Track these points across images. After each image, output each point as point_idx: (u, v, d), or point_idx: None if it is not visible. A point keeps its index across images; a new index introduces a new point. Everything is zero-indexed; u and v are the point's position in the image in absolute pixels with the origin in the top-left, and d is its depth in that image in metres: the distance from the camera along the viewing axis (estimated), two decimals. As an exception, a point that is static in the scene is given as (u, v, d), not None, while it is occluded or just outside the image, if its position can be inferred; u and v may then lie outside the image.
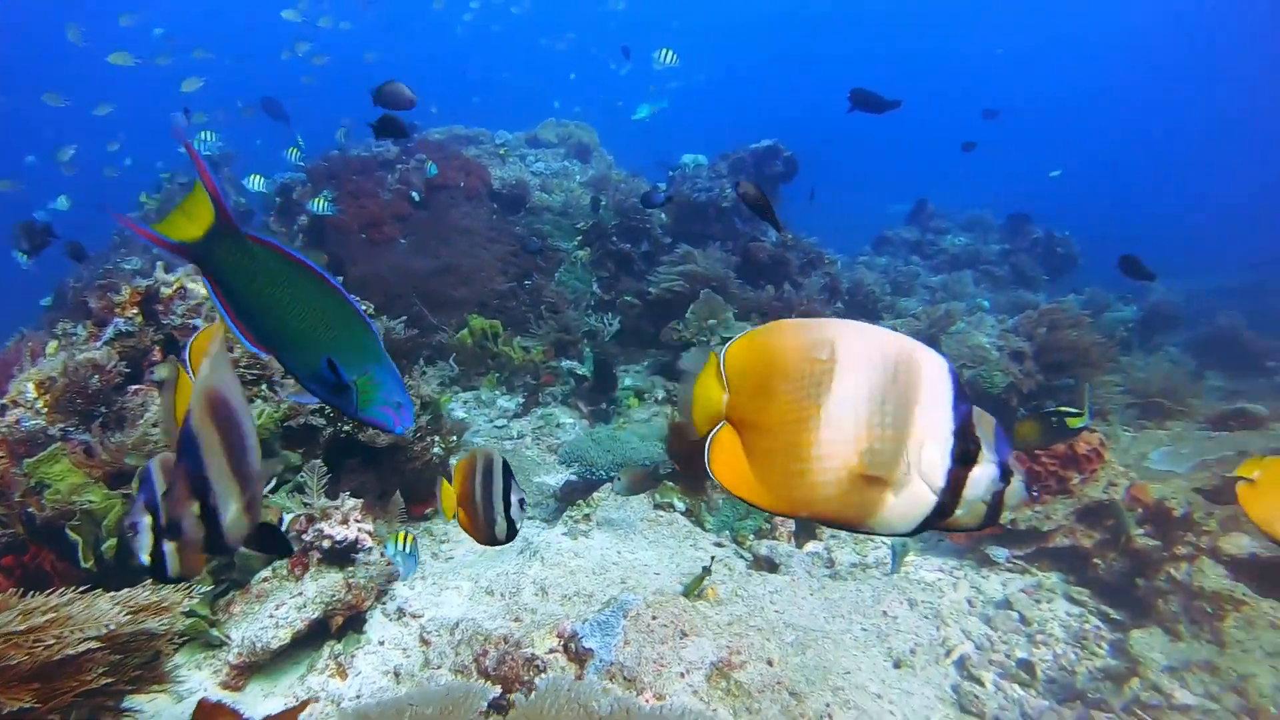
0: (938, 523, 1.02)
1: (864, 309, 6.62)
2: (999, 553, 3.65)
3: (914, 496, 1.00)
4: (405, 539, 2.48)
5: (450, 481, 1.79)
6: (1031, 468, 3.71)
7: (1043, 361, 5.35)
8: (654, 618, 2.47)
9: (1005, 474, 0.99)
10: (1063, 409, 3.58)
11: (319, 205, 5.61)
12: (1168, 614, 3.07)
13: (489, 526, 1.75)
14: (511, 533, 1.76)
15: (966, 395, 0.98)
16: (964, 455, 0.97)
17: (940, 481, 0.98)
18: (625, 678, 2.25)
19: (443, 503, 1.80)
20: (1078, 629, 3.18)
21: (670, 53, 6.23)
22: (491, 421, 5.31)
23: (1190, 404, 5.55)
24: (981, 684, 2.84)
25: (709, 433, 1.15)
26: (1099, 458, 3.69)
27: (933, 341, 5.38)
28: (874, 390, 1.00)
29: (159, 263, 3.31)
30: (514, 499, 1.74)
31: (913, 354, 1.00)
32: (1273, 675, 2.64)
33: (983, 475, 0.98)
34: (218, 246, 1.19)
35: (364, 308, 3.78)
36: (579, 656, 2.37)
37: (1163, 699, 2.64)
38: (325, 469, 2.79)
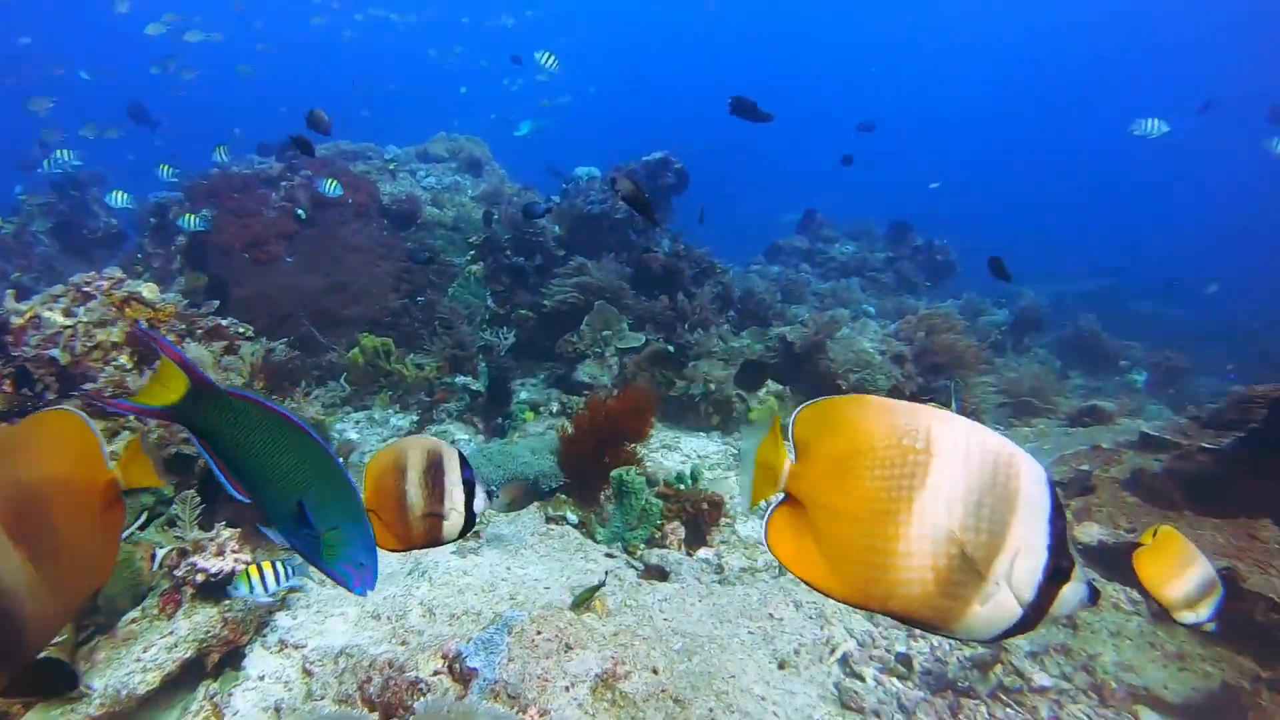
0: (1019, 634, 0.99)
1: (756, 316, 6.80)
2: (879, 550, 3.81)
3: (999, 608, 0.94)
4: (263, 569, 2.38)
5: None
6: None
7: (922, 364, 5.62)
8: (538, 633, 2.49)
9: (1093, 592, 0.95)
10: (930, 404, 3.77)
11: (190, 222, 5.40)
12: (1029, 601, 3.28)
13: (432, 525, 1.62)
14: (468, 527, 1.65)
15: (1063, 508, 0.93)
16: (1057, 572, 0.92)
17: (1030, 596, 0.93)
18: (509, 695, 2.26)
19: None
20: (951, 620, 3.36)
21: (551, 56, 6.28)
22: (385, 441, 5.22)
23: (1055, 402, 5.93)
24: (862, 679, 2.96)
25: (763, 501, 1.08)
26: (968, 456, 3.90)
27: (819, 348, 5.58)
28: (970, 491, 0.94)
29: (8, 290, 3.14)
30: (480, 490, 1.64)
31: (1012, 457, 0.94)
32: (1115, 652, 2.85)
33: (1073, 594, 0.94)
34: (198, 406, 1.25)
35: (244, 330, 3.68)
36: (463, 677, 2.37)
37: (1023, 682, 2.82)
38: (199, 499, 2.70)
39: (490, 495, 1.68)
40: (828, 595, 1.03)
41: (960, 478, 0.94)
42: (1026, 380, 6.10)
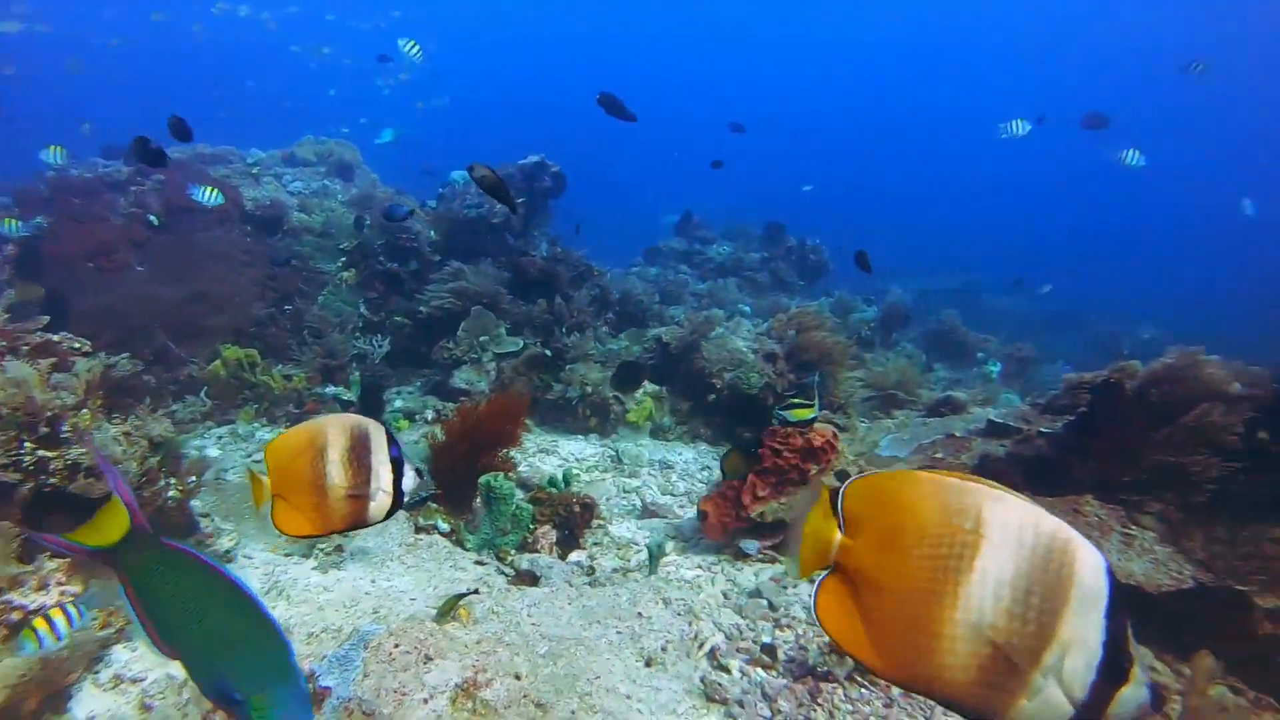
0: None
1: (634, 318, 6.86)
2: (750, 545, 3.90)
3: (1047, 705, 0.89)
4: (51, 617, 2.15)
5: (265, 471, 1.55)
6: (776, 463, 3.99)
7: (793, 361, 5.77)
8: (396, 645, 2.44)
9: (1156, 696, 0.88)
10: (794, 401, 3.91)
11: (12, 227, 4.97)
12: (886, 584, 3.42)
13: (356, 507, 1.54)
14: (396, 507, 1.58)
15: (1124, 601, 0.87)
16: (1113, 672, 0.87)
17: (1081, 695, 0.88)
18: (364, 712, 2.21)
19: (254, 492, 1.58)
20: (816, 607, 3.46)
21: (415, 45, 6.17)
22: (249, 456, 5.00)
23: (919, 394, 6.21)
24: (728, 671, 3.02)
25: (812, 574, 1.04)
26: (833, 449, 4.03)
27: (694, 348, 5.68)
28: (1019, 577, 0.89)
29: None
30: (409, 469, 1.57)
31: (1068, 544, 0.89)
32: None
33: (1132, 698, 0.87)
34: (132, 552, 1.25)
35: (80, 345, 3.45)
36: (316, 697, 2.30)
37: (876, 662, 2.94)
38: (16, 531, 2.52)
39: (419, 474, 1.62)
40: (874, 672, 1.00)
41: (1009, 562, 0.90)
42: (893, 373, 6.36)
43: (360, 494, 1.54)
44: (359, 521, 1.58)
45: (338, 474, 1.53)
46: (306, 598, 3.03)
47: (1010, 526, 0.91)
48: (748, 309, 7.85)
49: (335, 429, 1.55)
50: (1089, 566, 0.88)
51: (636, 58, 41.15)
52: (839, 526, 1.03)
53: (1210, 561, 2.82)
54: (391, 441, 1.58)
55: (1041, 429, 3.81)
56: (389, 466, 1.56)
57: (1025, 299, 10.78)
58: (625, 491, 4.75)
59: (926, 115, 41.57)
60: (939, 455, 4.20)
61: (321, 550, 3.46)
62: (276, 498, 1.55)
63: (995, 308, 10.55)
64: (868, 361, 6.75)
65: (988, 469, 3.78)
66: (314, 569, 3.32)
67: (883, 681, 2.71)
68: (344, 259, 6.75)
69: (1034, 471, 3.55)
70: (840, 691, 2.85)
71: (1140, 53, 28.28)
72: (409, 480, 1.59)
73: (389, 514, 1.60)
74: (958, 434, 4.39)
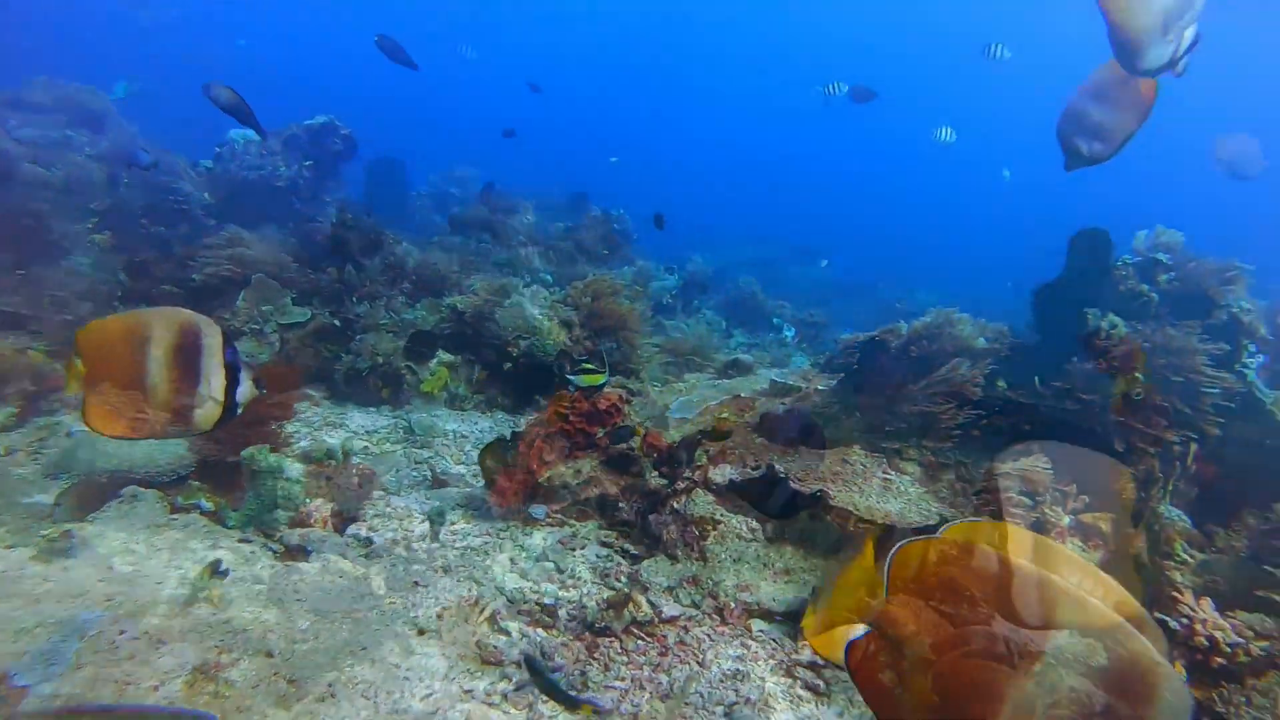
0: None
1: (432, 288, 6.62)
2: (539, 510, 3.84)
3: None
4: None
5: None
6: (563, 427, 3.95)
7: (590, 328, 5.77)
8: (121, 633, 2.18)
9: None
10: (585, 366, 3.89)
11: None
12: (670, 541, 3.47)
13: (180, 413, 1.36)
14: (227, 418, 1.41)
15: None
16: None
17: None
18: (70, 710, 1.95)
19: (68, 375, 1.36)
20: (603, 568, 3.47)
21: None
22: (-40, 439, 4.36)
23: (715, 358, 6.39)
24: (507, 634, 2.95)
25: (831, 628, 0.94)
26: (619, 412, 4.05)
27: (489, 316, 5.54)
28: (1090, 699, 0.77)
29: None
30: (245, 377, 1.40)
31: (1151, 672, 0.75)
32: (735, 576, 3.11)
33: None
34: None
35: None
36: (10, 700, 2.01)
37: (654, 615, 2.98)
38: None
39: (258, 384, 1.41)
40: None
41: (1077, 680, 0.79)
42: (690, 339, 6.51)
43: (186, 399, 1.39)
44: (181, 431, 1.44)
45: (159, 374, 1.37)
46: (20, 591, 2.65)
47: (1083, 636, 0.79)
48: (549, 278, 7.78)
49: (161, 322, 1.39)
50: (1168, 701, 0.75)
51: (453, 25, 39.78)
52: (884, 588, 0.94)
53: (953, 499, 3.06)
54: (228, 344, 1.43)
55: (818, 386, 4.00)
56: (222, 372, 1.42)
57: (818, 269, 11.45)
58: (416, 462, 4.57)
59: (727, 90, 43.16)
60: (724, 415, 4.33)
61: (45, 536, 3.05)
62: (90, 391, 1.35)
63: (793, 277, 11.11)
64: (667, 328, 6.87)
65: (768, 425, 3.93)
66: (31, 558, 2.92)
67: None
68: (96, 219, 6.03)
69: (810, 426, 3.72)
70: (617, 644, 2.86)
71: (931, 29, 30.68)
72: (244, 390, 1.44)
73: (218, 425, 1.45)
74: (743, 394, 4.55)
